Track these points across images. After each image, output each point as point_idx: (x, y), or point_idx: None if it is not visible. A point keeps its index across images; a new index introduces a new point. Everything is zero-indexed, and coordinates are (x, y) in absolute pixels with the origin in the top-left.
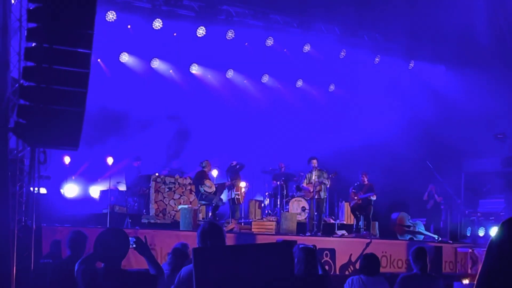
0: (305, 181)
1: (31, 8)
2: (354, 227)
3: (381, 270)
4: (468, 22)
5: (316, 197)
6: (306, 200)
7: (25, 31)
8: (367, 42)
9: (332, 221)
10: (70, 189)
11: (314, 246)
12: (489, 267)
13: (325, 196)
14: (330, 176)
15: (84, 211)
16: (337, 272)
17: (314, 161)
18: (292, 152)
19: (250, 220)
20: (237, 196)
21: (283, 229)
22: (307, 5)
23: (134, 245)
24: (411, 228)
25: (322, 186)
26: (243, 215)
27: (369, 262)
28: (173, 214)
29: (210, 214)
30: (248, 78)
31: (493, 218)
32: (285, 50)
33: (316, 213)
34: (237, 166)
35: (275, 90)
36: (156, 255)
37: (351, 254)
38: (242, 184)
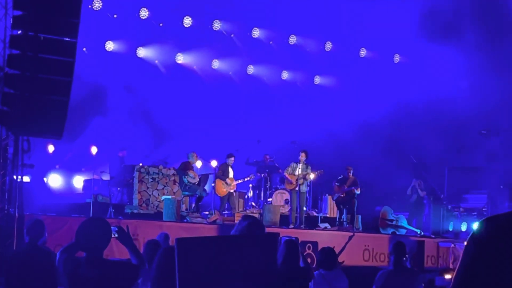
0: (288, 169)
1: None
2: (337, 220)
3: (364, 263)
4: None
5: (296, 189)
6: (287, 191)
7: (11, 19)
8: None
9: (315, 214)
10: (54, 178)
11: (297, 238)
12: (467, 264)
13: (306, 190)
14: (317, 173)
15: (67, 200)
16: None
17: (303, 154)
18: (278, 144)
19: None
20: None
21: (266, 221)
22: None
23: (116, 235)
24: (394, 222)
25: (304, 180)
26: (226, 207)
27: (326, 256)
28: (157, 205)
29: (193, 205)
30: (234, 69)
31: (475, 213)
32: (271, 42)
33: (297, 206)
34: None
35: (260, 80)
36: (139, 245)
37: (333, 247)
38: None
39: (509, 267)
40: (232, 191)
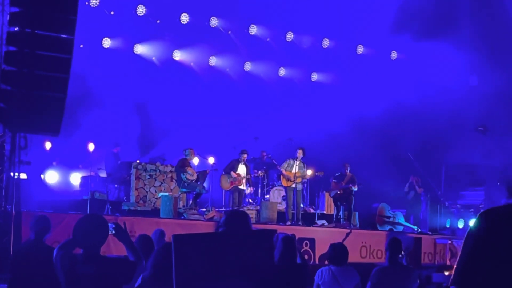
0: (284, 165)
1: None
2: (334, 217)
3: (361, 260)
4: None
5: (293, 186)
6: (283, 187)
7: (8, 15)
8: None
9: (312, 210)
10: (51, 175)
11: (294, 235)
12: (467, 256)
13: (301, 188)
14: (316, 174)
15: (64, 197)
16: (317, 262)
17: (300, 151)
18: (275, 141)
19: (231, 209)
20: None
21: (264, 218)
22: None
23: (113, 232)
24: (391, 219)
25: (302, 179)
26: (223, 204)
27: (337, 252)
28: (154, 202)
29: (190, 202)
30: (231, 66)
31: (472, 210)
32: (268, 39)
33: (294, 202)
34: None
35: (257, 77)
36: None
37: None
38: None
39: (506, 256)
40: (240, 187)
